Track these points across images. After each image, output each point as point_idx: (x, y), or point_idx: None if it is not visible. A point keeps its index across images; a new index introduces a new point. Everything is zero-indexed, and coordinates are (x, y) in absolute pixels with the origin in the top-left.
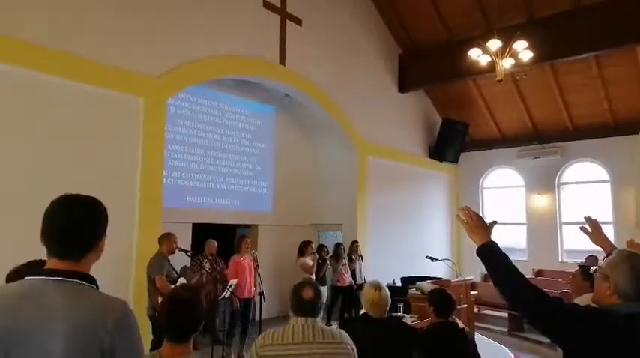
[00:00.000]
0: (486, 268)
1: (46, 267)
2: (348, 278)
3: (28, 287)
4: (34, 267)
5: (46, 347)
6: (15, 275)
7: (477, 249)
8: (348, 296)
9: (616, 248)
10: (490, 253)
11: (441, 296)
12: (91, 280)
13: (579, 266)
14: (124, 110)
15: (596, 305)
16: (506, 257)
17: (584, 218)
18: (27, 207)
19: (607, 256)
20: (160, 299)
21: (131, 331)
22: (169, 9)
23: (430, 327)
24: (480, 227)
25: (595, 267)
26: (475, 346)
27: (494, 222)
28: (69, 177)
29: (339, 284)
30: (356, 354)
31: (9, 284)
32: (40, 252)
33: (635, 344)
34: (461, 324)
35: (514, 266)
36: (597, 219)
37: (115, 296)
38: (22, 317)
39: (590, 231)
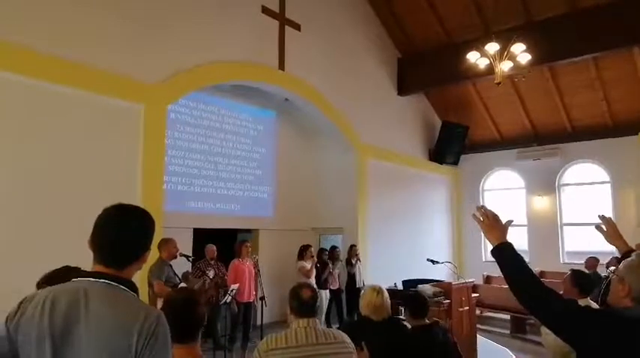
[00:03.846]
0: (501, 269)
1: (91, 270)
2: (337, 281)
3: (78, 288)
4: (65, 273)
5: (81, 343)
6: (48, 280)
7: (492, 250)
8: (338, 298)
9: (632, 248)
10: (505, 254)
11: (414, 298)
12: (133, 287)
13: (571, 270)
14: (125, 116)
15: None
16: (522, 258)
17: (599, 216)
18: (26, 212)
19: (622, 256)
20: (158, 305)
21: (162, 340)
22: (169, 16)
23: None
24: (495, 227)
25: (613, 268)
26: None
27: (510, 221)
28: (70, 182)
29: (331, 287)
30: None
31: (66, 284)
32: (39, 257)
33: None
34: (443, 325)
35: (529, 268)
36: (612, 218)
37: (150, 306)
38: (68, 315)
39: (605, 229)
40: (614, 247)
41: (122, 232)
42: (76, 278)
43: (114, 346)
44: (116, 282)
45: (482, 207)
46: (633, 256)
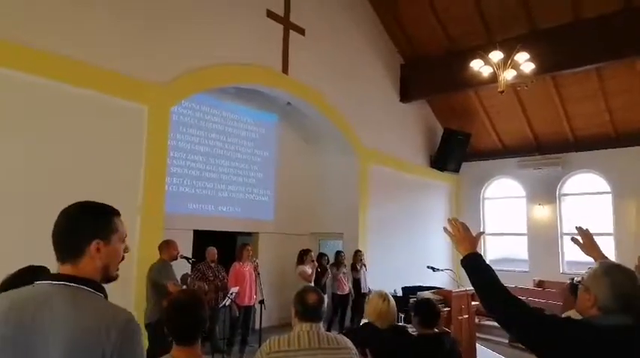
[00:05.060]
0: (470, 279)
1: (53, 272)
2: (347, 287)
3: (37, 292)
4: (30, 273)
5: (47, 351)
6: (12, 281)
7: (461, 260)
8: (345, 304)
9: (607, 258)
10: (473, 264)
11: (426, 306)
12: (98, 287)
13: (570, 280)
14: (128, 117)
15: (576, 317)
16: (490, 269)
17: (576, 228)
18: (26, 212)
19: None
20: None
21: (134, 342)
22: (174, 17)
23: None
24: (466, 239)
25: (579, 278)
26: None
27: (481, 233)
28: (72, 183)
29: (339, 292)
30: None
31: (23, 288)
32: (39, 258)
33: (613, 356)
34: (452, 334)
35: (497, 278)
36: (589, 229)
37: (120, 306)
38: (31, 320)
39: (581, 241)
40: (591, 258)
41: (61, 225)
42: (40, 279)
43: (82, 351)
44: (78, 283)
45: (454, 219)
46: (596, 265)
